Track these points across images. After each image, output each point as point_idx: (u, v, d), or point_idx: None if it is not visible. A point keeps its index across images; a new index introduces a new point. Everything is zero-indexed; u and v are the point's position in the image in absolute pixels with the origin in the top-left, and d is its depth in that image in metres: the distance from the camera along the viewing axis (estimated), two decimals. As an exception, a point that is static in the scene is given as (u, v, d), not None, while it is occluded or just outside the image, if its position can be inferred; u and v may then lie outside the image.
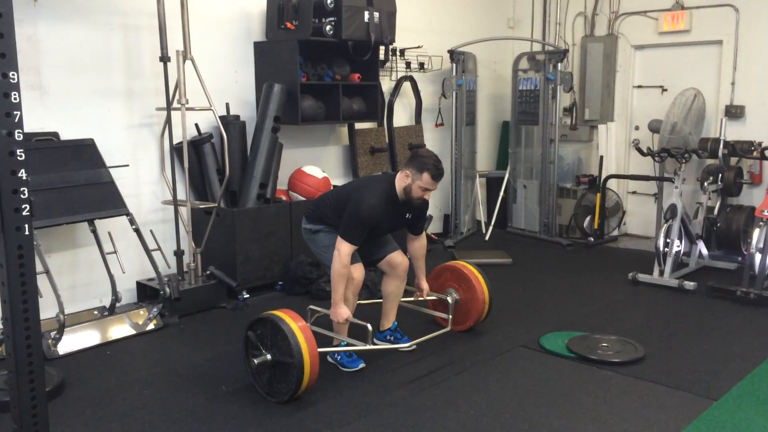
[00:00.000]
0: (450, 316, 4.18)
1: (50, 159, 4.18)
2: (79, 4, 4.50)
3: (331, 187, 5.69)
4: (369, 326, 3.65)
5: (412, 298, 4.29)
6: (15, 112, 2.04)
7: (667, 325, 4.54)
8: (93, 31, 4.58)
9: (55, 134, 4.42)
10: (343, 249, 3.62)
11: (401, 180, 3.74)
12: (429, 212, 7.01)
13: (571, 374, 3.74)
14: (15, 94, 2.04)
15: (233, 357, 3.93)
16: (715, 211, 6.09)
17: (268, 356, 3.40)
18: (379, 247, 3.99)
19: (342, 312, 3.69)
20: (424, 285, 4.19)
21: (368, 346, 3.69)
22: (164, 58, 4.63)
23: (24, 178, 2.07)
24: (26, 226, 2.09)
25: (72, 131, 4.50)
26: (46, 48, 4.37)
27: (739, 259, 5.88)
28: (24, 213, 2.08)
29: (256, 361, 3.41)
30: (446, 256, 6.07)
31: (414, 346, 4.06)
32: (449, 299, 4.20)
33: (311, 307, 3.99)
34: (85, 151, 4.42)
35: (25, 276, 2.11)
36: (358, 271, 3.77)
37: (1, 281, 2.13)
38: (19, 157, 2.06)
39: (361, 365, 3.79)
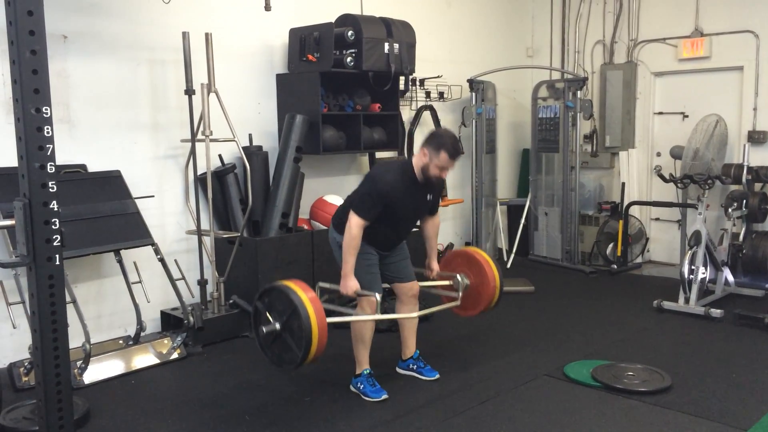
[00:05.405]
0: (460, 293, 4.09)
1: (78, 190, 4.26)
2: (107, 39, 4.63)
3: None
4: (377, 295, 3.63)
5: (423, 283, 4.18)
6: (48, 146, 2.10)
7: (694, 354, 4.47)
8: (120, 65, 4.70)
9: (83, 166, 4.52)
10: (354, 221, 3.61)
11: (419, 159, 3.72)
12: (450, 240, 7.10)
13: (596, 404, 3.68)
14: (48, 128, 2.09)
15: (256, 386, 3.93)
16: (741, 238, 6.01)
17: (277, 325, 3.36)
18: (399, 270, 3.99)
19: (351, 284, 3.68)
20: (435, 265, 4.15)
21: (377, 316, 3.69)
22: (189, 92, 4.73)
23: (55, 209, 2.12)
24: (57, 256, 2.13)
25: (99, 163, 4.59)
26: (75, 83, 4.49)
27: (766, 285, 5.78)
28: (55, 243, 2.12)
29: (264, 330, 3.37)
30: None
31: (437, 375, 4.05)
32: (459, 278, 4.10)
33: (320, 284, 3.90)
34: (112, 183, 4.50)
35: (56, 305, 2.15)
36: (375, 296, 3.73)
37: (31, 310, 2.17)
38: (51, 189, 2.11)
39: (384, 396, 3.76)
